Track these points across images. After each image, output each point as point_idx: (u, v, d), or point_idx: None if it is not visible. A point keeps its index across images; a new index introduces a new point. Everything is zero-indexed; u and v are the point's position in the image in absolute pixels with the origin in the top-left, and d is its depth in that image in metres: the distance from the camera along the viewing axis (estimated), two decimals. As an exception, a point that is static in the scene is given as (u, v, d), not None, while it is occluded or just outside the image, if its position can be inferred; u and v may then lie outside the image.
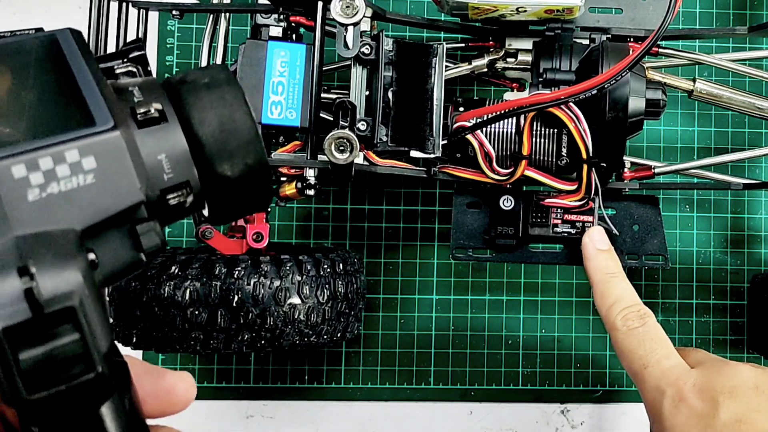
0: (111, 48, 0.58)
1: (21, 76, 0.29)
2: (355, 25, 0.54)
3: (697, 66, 0.69)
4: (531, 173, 0.57)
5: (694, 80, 0.63)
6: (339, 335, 0.58)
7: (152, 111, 0.28)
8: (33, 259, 0.24)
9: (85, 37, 0.57)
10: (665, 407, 0.46)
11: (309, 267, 0.55)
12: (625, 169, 0.61)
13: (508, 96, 0.62)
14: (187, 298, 0.53)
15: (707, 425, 0.44)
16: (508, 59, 0.62)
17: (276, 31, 0.58)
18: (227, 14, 0.61)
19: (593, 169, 0.56)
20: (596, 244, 0.54)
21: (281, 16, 0.58)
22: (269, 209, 0.62)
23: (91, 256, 0.26)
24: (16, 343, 0.24)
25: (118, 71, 0.31)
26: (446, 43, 0.61)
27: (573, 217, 0.59)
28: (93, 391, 0.25)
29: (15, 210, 0.25)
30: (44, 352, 0.24)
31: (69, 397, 0.25)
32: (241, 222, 0.59)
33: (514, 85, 0.66)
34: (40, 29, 0.33)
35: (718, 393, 0.44)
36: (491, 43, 0.63)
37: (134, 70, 0.31)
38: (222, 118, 0.30)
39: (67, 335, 0.24)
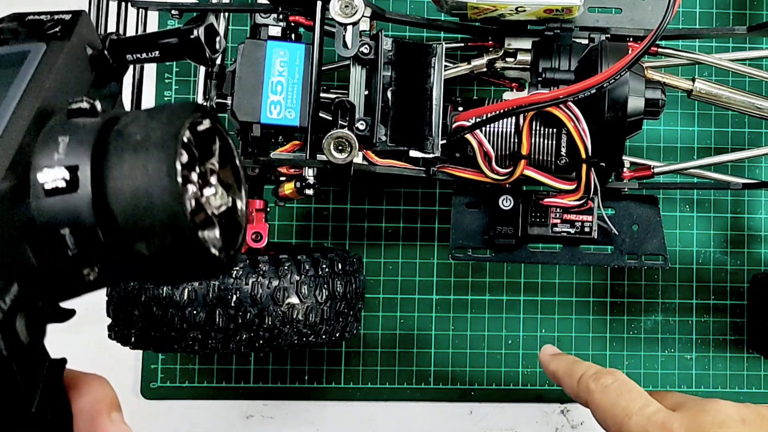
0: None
1: None
2: (354, 24, 0.54)
3: (696, 66, 0.69)
4: (530, 173, 0.57)
5: (693, 80, 0.62)
6: (338, 335, 0.58)
7: (59, 180, 0.25)
8: None
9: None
10: None
11: (307, 267, 0.55)
12: (625, 169, 0.61)
13: (508, 95, 0.62)
14: (185, 297, 0.53)
15: None
16: (508, 59, 0.62)
17: (275, 30, 0.58)
18: (226, 14, 0.61)
19: (592, 168, 0.56)
20: (549, 351, 0.55)
21: (280, 16, 0.58)
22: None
23: None
24: None
25: (73, 107, 0.27)
26: (445, 43, 0.61)
27: (572, 217, 0.59)
28: None
29: None
30: None
31: None
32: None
33: (514, 84, 0.66)
34: (79, 12, 0.31)
35: (708, 430, 0.44)
36: (490, 42, 0.63)
37: (86, 107, 0.27)
38: (137, 191, 0.25)
39: None
